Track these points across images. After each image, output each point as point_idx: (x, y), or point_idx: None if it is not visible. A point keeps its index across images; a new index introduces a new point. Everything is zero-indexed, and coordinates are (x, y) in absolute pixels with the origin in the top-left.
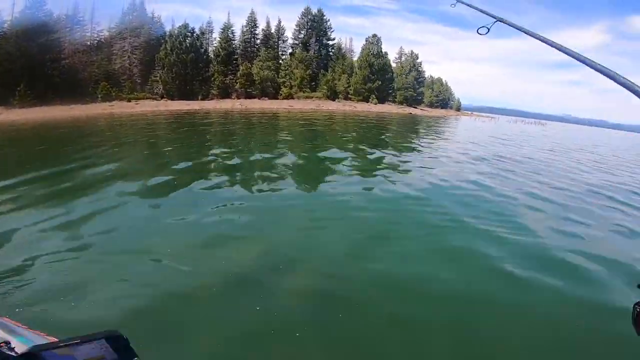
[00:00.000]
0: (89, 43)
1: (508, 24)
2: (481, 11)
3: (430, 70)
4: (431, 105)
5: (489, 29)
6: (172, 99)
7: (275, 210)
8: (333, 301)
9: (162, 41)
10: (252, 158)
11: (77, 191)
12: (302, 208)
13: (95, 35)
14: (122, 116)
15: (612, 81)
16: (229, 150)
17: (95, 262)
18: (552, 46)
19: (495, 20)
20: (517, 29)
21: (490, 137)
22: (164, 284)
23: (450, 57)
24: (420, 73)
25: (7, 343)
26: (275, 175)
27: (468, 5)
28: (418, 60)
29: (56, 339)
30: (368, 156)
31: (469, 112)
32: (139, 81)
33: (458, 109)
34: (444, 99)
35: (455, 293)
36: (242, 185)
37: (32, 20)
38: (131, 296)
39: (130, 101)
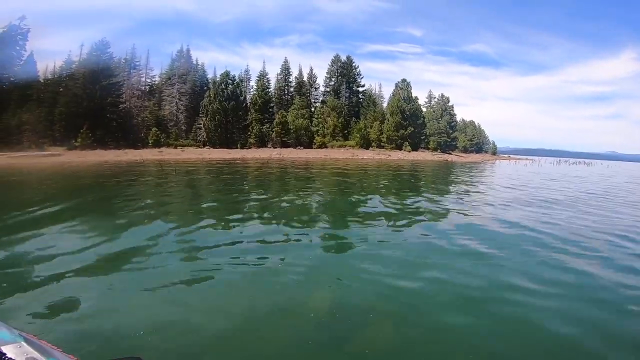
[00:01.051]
0: (143, 88)
1: None
2: None
3: (460, 113)
4: (465, 150)
5: None
6: (214, 147)
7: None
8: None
9: (206, 88)
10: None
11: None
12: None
13: (149, 81)
14: (172, 161)
15: None
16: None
17: (129, 291)
18: None
19: None
20: None
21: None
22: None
23: (479, 98)
24: (452, 117)
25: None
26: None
27: None
28: (449, 104)
29: None
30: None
31: (507, 156)
32: (184, 128)
33: (494, 152)
34: (478, 143)
35: None
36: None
37: (97, 63)
38: (157, 328)
39: (176, 148)
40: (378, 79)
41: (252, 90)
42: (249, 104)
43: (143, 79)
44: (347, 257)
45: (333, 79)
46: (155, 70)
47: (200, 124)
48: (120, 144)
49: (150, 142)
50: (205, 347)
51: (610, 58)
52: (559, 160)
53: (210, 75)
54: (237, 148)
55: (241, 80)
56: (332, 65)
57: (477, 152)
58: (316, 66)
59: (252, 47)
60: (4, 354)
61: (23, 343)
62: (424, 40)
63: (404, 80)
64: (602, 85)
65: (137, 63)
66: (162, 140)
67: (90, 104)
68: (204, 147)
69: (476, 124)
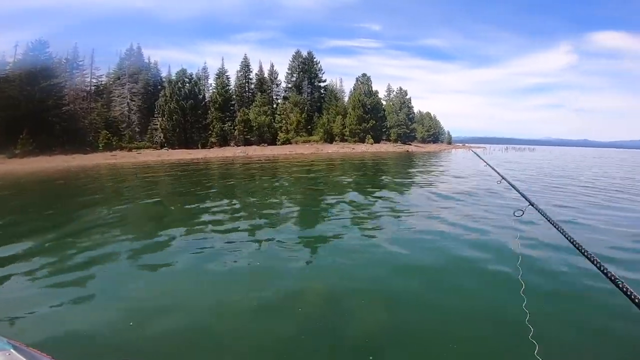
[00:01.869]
0: (88, 88)
1: (538, 211)
2: (520, 193)
3: (418, 105)
4: (424, 140)
5: (523, 212)
6: (172, 148)
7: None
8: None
9: (160, 87)
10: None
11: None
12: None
13: (95, 81)
14: (125, 166)
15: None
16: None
17: (101, 304)
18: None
19: (528, 204)
20: (546, 219)
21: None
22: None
23: (435, 91)
24: (410, 109)
25: None
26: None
27: (512, 186)
28: (407, 97)
29: None
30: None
31: (461, 144)
32: (138, 129)
33: (449, 142)
34: (435, 134)
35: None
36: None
37: (34, 63)
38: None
39: (131, 150)
40: (339, 74)
41: (211, 88)
42: (208, 102)
43: (88, 79)
44: (325, 249)
45: (295, 75)
46: (103, 69)
47: (157, 124)
48: (67, 149)
49: (100, 145)
50: (192, 347)
51: (550, 50)
52: (507, 147)
53: (164, 74)
54: (198, 148)
55: (199, 79)
56: (294, 61)
57: (434, 142)
58: (277, 62)
59: (210, 44)
60: None
61: (12, 350)
62: (383, 35)
63: (364, 75)
64: (543, 77)
65: (81, 63)
66: (114, 143)
67: (29, 106)
68: (161, 148)
69: (432, 115)
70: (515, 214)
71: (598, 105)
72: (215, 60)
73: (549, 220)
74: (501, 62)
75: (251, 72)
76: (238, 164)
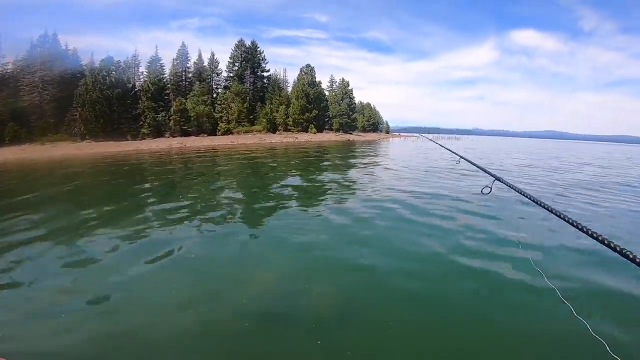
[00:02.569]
0: None
1: (506, 184)
2: (483, 170)
3: (359, 96)
4: (364, 130)
5: (491, 188)
6: (96, 140)
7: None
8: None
9: (80, 76)
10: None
11: None
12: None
13: (0, 69)
14: (39, 162)
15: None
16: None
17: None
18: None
19: (494, 179)
20: (514, 190)
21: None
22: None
23: (375, 82)
24: (351, 100)
25: None
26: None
27: (471, 162)
28: (349, 88)
29: None
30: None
31: (398, 134)
32: (53, 120)
33: (388, 131)
34: (374, 123)
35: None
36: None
37: None
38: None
39: (44, 144)
40: (284, 64)
41: (142, 77)
42: (139, 91)
43: None
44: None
45: (237, 64)
46: (8, 57)
47: (75, 114)
48: None
49: (7, 139)
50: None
51: (477, 46)
52: (436, 137)
53: (85, 62)
54: (127, 140)
55: (128, 67)
56: (236, 50)
57: (373, 131)
58: (219, 51)
59: (143, 31)
60: None
61: None
62: (329, 26)
63: (308, 66)
64: (470, 71)
65: None
66: (24, 136)
67: None
68: (82, 140)
69: (372, 106)
70: (483, 191)
71: (515, 98)
72: (149, 48)
73: (518, 191)
74: (435, 55)
75: (189, 60)
76: (175, 156)
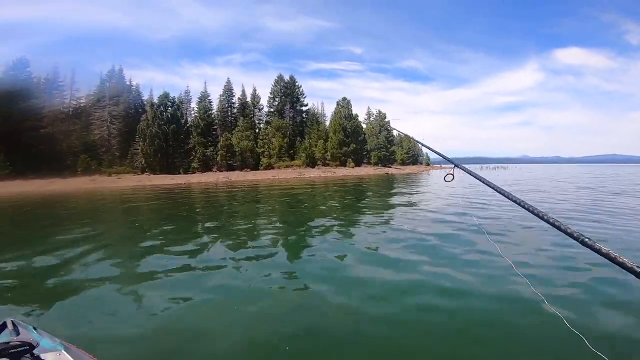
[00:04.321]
0: (68, 110)
1: (463, 170)
2: (444, 157)
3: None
4: (403, 162)
5: (453, 176)
6: (154, 173)
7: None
8: None
9: (141, 110)
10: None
11: None
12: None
13: (75, 103)
14: (107, 191)
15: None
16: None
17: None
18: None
19: (454, 166)
20: (472, 175)
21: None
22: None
23: (413, 112)
24: (389, 132)
25: None
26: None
27: (430, 149)
28: (386, 120)
29: None
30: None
31: (439, 166)
32: (118, 154)
33: (428, 163)
34: (414, 155)
35: None
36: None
37: (13, 83)
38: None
39: (110, 175)
40: (322, 97)
41: (193, 112)
42: (190, 126)
43: (67, 101)
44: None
45: (277, 99)
46: (82, 91)
47: (137, 148)
48: (44, 173)
49: (79, 170)
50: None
51: (519, 69)
52: (481, 167)
53: (146, 97)
54: (179, 173)
55: (181, 102)
56: (276, 85)
57: (413, 164)
58: (260, 85)
59: (192, 66)
60: None
61: (63, 351)
62: (364, 57)
63: (344, 99)
64: (513, 95)
65: (61, 83)
66: (94, 167)
67: (5, 128)
68: (142, 173)
69: (411, 137)
70: (446, 179)
71: (565, 121)
72: (197, 83)
73: (475, 176)
74: (474, 82)
75: (234, 96)
76: (223, 190)
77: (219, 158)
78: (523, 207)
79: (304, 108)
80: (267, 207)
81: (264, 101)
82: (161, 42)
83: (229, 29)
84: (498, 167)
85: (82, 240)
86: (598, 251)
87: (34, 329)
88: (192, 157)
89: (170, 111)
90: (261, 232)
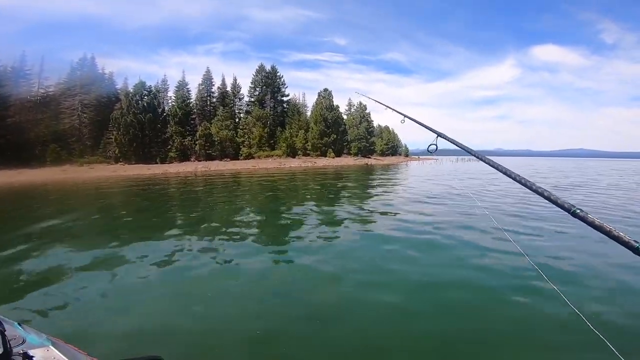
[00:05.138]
0: (36, 99)
1: (446, 139)
2: (426, 127)
3: (377, 119)
4: (382, 153)
5: (437, 146)
6: (129, 163)
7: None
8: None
9: (114, 99)
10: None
11: None
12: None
13: (43, 91)
14: (81, 182)
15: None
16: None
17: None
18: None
19: (437, 135)
20: (454, 144)
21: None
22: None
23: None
24: (369, 123)
25: None
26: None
27: (415, 121)
28: (367, 111)
29: None
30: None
31: (417, 157)
32: (89, 143)
33: (406, 154)
34: (393, 146)
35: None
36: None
37: None
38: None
39: (82, 165)
40: (304, 87)
41: (170, 101)
42: (167, 116)
43: (35, 89)
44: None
45: (257, 89)
46: (52, 79)
47: (111, 138)
48: (12, 164)
49: (48, 160)
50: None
51: (498, 65)
52: (457, 159)
53: (119, 85)
54: (156, 163)
55: (158, 91)
56: (257, 75)
57: (392, 155)
58: (241, 75)
59: (171, 55)
60: (32, 357)
61: (51, 347)
62: (348, 49)
63: (325, 90)
64: (492, 90)
65: (28, 72)
66: (64, 157)
67: None
68: (116, 163)
69: (390, 129)
70: (429, 149)
71: (539, 116)
72: (176, 72)
73: (458, 145)
74: (455, 75)
75: (213, 85)
76: (202, 179)
77: (197, 147)
78: (515, 179)
79: (285, 98)
80: (248, 196)
81: (244, 91)
82: (140, 30)
83: (212, 18)
84: (473, 159)
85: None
86: (591, 224)
87: (19, 324)
88: (169, 147)
89: (146, 100)
90: (240, 220)
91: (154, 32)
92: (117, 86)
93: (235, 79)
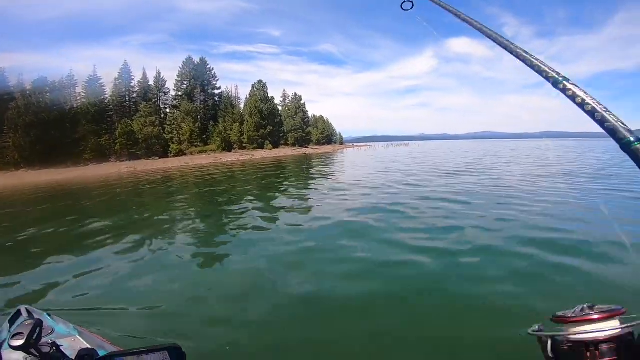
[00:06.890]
0: None
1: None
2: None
3: (312, 109)
4: (319, 142)
5: (413, 4)
6: (32, 168)
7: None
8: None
9: (7, 98)
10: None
11: None
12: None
13: None
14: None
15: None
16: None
17: None
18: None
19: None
20: (443, 8)
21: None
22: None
23: (327, 94)
24: (305, 114)
25: (92, 351)
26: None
27: None
28: (302, 102)
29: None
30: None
31: (351, 144)
32: None
33: (341, 142)
34: (328, 135)
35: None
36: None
37: None
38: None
39: None
40: (236, 80)
41: (80, 97)
42: (77, 114)
43: None
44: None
45: (185, 82)
46: None
47: (8, 142)
48: None
49: None
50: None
51: (419, 56)
52: (388, 145)
53: (13, 83)
54: (67, 167)
55: (63, 87)
56: (184, 68)
57: (328, 144)
58: (166, 68)
59: (81, 48)
60: (60, 345)
61: (77, 336)
62: (281, 40)
63: (260, 82)
64: (414, 80)
65: None
66: None
67: None
68: (17, 169)
69: (325, 118)
70: (403, 6)
71: (455, 104)
72: (85, 66)
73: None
74: (382, 66)
75: (133, 79)
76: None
77: (117, 147)
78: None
79: (216, 91)
80: (186, 196)
81: (170, 85)
82: (43, 22)
83: (132, 8)
84: (401, 144)
85: None
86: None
87: (48, 315)
88: (82, 148)
89: (49, 97)
90: (182, 222)
91: (60, 23)
92: (9, 83)
93: (158, 72)
